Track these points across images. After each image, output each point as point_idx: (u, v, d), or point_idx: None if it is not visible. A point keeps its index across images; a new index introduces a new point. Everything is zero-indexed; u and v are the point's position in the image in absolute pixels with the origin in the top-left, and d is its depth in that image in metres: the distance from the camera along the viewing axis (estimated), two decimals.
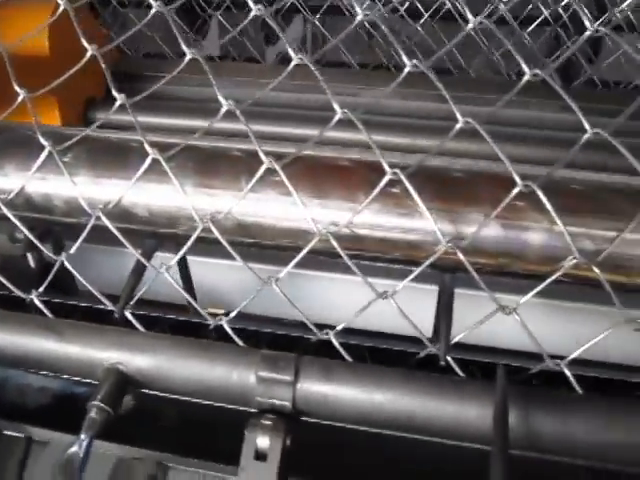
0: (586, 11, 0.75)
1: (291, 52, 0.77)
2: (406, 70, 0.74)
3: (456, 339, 0.78)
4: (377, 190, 0.72)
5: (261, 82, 1.39)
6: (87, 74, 0.83)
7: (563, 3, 1.61)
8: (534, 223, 0.72)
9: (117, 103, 0.80)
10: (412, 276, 0.73)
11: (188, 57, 0.81)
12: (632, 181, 0.71)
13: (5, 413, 0.95)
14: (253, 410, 0.77)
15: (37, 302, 0.87)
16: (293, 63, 0.77)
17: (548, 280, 0.70)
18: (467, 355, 0.82)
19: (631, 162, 0.66)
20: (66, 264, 0.85)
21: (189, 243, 0.78)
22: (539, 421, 0.71)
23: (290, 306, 0.80)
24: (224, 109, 0.77)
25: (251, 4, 0.82)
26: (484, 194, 0.74)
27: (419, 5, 1.73)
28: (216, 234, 0.76)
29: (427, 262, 0.72)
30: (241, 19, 0.88)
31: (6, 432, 0.95)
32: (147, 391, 0.84)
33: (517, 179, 0.68)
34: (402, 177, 0.70)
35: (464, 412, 0.73)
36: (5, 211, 0.84)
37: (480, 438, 0.72)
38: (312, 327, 0.80)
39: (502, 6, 1.51)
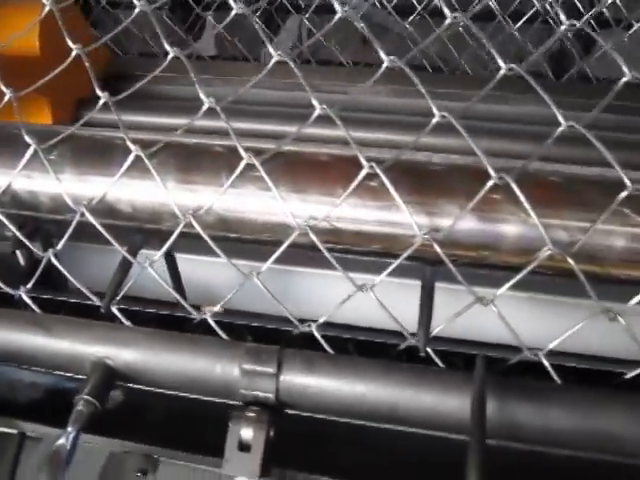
0: (559, 10, 0.75)
1: (271, 50, 0.79)
2: (384, 66, 0.76)
3: (436, 330, 0.79)
4: (355, 184, 0.73)
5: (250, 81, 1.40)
6: (79, 75, 0.84)
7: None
8: (509, 215, 0.73)
9: (101, 102, 0.81)
10: (390, 268, 0.74)
11: (171, 56, 0.82)
12: (606, 173, 0.72)
13: None
14: (239, 403, 0.79)
15: (25, 298, 0.88)
16: (273, 60, 0.79)
17: (524, 271, 0.71)
18: (449, 347, 0.83)
19: (604, 154, 0.67)
20: (53, 260, 0.86)
21: (172, 238, 0.80)
22: (518, 410, 0.72)
23: (278, 302, 0.81)
24: (205, 106, 0.78)
25: (232, 3, 0.83)
26: (460, 187, 0.75)
27: (414, 1, 1.73)
28: (198, 229, 0.77)
29: (405, 254, 0.73)
30: (235, 19, 0.89)
31: None
32: (137, 386, 0.85)
33: (491, 172, 0.69)
34: (378, 171, 0.71)
35: (444, 402, 0.74)
36: None
37: (461, 428, 0.72)
38: (293, 320, 0.81)
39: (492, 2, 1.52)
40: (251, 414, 0.76)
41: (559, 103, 0.69)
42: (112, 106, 0.80)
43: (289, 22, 2.34)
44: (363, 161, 0.72)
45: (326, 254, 0.75)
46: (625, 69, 0.69)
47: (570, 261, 0.68)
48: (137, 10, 0.85)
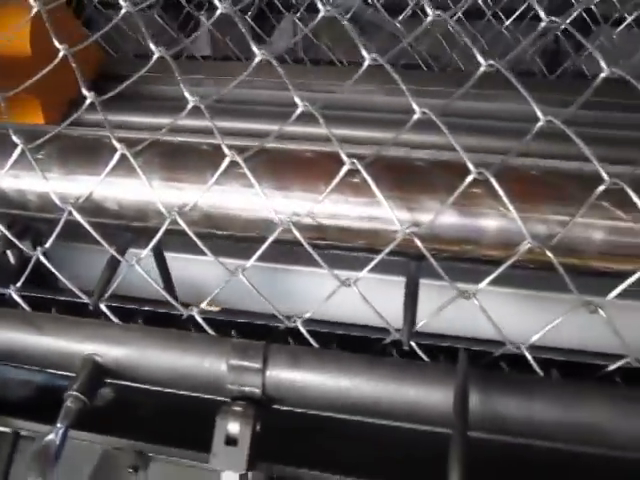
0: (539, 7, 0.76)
1: (254, 48, 0.79)
2: (365, 64, 0.76)
3: (419, 325, 0.80)
4: (337, 180, 0.74)
5: (243, 81, 1.40)
6: (70, 75, 0.85)
7: None
8: (489, 209, 0.73)
9: (87, 102, 0.82)
10: (373, 263, 0.75)
11: (156, 56, 0.83)
12: (584, 167, 0.73)
13: None
14: (227, 399, 0.79)
15: (15, 296, 0.89)
16: (257, 59, 0.79)
17: (504, 265, 0.72)
18: (433, 342, 0.84)
19: (582, 149, 0.68)
20: (42, 259, 0.87)
21: (158, 235, 0.81)
22: (500, 403, 0.73)
23: (263, 298, 0.82)
24: (190, 105, 0.79)
25: (217, 3, 0.84)
26: (441, 182, 0.75)
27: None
28: (183, 226, 0.78)
29: (387, 249, 0.74)
30: (228, 19, 0.90)
31: None
32: (127, 384, 0.86)
33: (471, 167, 0.69)
34: (359, 167, 0.72)
35: (427, 396, 0.75)
36: None
37: (444, 421, 0.73)
38: (279, 315, 0.82)
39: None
40: (238, 408, 0.77)
41: (550, 100, 0.69)
42: (98, 106, 0.81)
43: (284, 22, 2.35)
44: (344, 157, 0.73)
45: (309, 249, 0.76)
46: (603, 65, 0.70)
47: (549, 254, 0.69)
48: (123, 11, 0.86)
